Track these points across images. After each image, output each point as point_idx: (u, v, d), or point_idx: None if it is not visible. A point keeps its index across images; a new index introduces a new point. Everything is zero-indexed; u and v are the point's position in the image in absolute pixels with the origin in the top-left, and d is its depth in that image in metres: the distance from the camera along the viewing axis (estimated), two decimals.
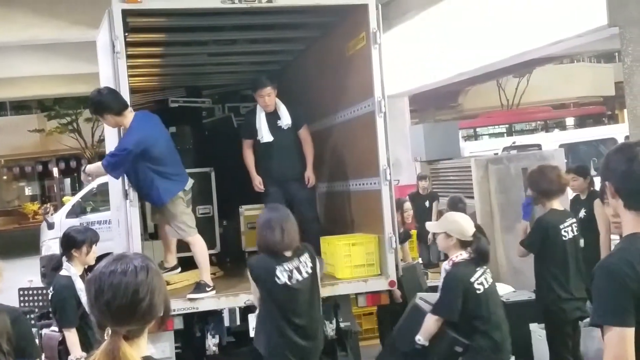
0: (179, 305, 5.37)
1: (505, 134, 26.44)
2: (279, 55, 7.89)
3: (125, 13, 5.42)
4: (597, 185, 6.91)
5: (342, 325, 5.80)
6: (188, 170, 6.00)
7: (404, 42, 11.72)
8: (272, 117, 6.46)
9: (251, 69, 8.09)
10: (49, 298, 5.20)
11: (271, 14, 6.17)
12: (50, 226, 12.60)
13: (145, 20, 6.10)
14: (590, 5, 7.50)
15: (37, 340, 4.62)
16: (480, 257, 4.56)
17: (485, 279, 4.53)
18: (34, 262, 13.40)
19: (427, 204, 10.40)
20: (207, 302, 5.54)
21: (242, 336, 5.69)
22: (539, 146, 14.83)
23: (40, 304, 8.50)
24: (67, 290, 4.91)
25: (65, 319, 4.91)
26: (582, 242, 5.59)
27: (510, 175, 8.38)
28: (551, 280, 5.19)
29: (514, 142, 16.29)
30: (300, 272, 4.58)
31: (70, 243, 5.09)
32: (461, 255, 4.57)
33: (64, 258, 5.10)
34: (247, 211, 7.18)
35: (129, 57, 5.84)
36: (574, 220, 5.39)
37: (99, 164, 5.57)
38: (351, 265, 5.83)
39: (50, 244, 12.11)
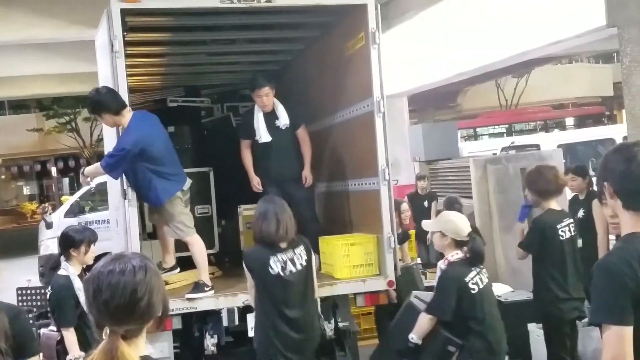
0: (177, 305, 5.37)
1: (505, 134, 26.45)
2: (278, 55, 7.89)
3: (124, 12, 5.42)
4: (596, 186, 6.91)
5: (340, 325, 5.80)
6: (187, 170, 6.00)
7: (403, 42, 11.73)
8: (270, 117, 6.46)
9: (250, 69, 8.08)
10: (47, 297, 5.19)
11: (270, 13, 6.17)
12: (49, 226, 12.60)
13: (144, 20, 6.09)
14: (589, 5, 7.50)
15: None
16: (475, 257, 4.54)
17: (481, 279, 4.52)
18: (32, 261, 13.40)
19: (425, 204, 10.41)
20: (205, 302, 5.53)
21: (240, 336, 5.69)
22: (537, 146, 14.83)
23: (39, 303, 8.50)
24: (65, 290, 4.91)
25: (63, 319, 4.91)
26: (580, 242, 5.60)
27: (509, 176, 8.39)
28: (549, 280, 5.19)
29: (512, 142, 16.31)
30: (294, 264, 4.61)
31: (69, 242, 5.09)
32: (457, 254, 4.56)
33: (62, 257, 5.10)
34: (246, 211, 7.17)
35: (127, 56, 5.85)
36: (572, 220, 5.39)
37: (97, 165, 5.56)
38: (350, 265, 5.83)
39: (49, 244, 12.10)
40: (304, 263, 4.68)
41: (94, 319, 2.07)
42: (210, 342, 5.53)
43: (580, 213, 6.82)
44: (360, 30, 5.93)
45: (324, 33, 6.87)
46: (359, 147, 6.27)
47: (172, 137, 6.05)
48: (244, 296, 5.27)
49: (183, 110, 8.45)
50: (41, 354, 4.17)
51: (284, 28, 6.91)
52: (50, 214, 13.41)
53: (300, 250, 4.69)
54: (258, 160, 6.60)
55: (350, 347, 5.95)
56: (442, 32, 10.86)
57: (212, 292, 5.59)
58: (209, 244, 6.55)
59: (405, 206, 7.44)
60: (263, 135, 6.44)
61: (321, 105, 7.15)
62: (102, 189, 8.45)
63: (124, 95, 5.40)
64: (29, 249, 16.10)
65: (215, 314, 5.60)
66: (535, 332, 5.86)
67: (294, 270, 4.61)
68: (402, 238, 6.97)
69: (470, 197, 8.63)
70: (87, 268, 4.99)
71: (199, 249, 5.73)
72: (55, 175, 34.19)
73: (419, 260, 8.98)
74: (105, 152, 5.81)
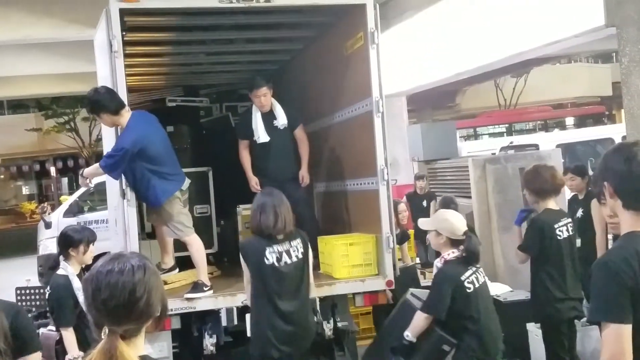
0: (176, 305, 5.37)
1: (505, 134, 26.43)
2: (277, 55, 7.89)
3: (123, 12, 5.42)
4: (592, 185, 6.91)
5: (339, 325, 5.80)
6: (185, 170, 6.00)
7: (402, 42, 11.72)
8: (268, 117, 6.47)
9: (249, 69, 8.09)
10: (46, 297, 5.19)
11: (269, 13, 6.17)
12: (48, 225, 12.59)
13: (143, 20, 6.09)
14: (587, 5, 7.50)
15: None
16: (470, 256, 4.53)
17: (476, 278, 4.51)
18: (31, 261, 13.40)
19: (424, 203, 10.40)
20: (204, 301, 5.53)
21: (239, 336, 5.68)
22: (536, 146, 14.83)
23: (38, 303, 8.49)
24: (64, 290, 4.91)
25: (62, 318, 4.91)
26: (578, 242, 5.58)
27: (508, 175, 8.38)
28: (547, 279, 5.18)
29: (511, 142, 16.30)
30: (289, 256, 4.64)
31: (68, 242, 5.08)
32: (453, 253, 4.55)
33: (61, 257, 5.10)
34: (245, 211, 7.15)
35: (126, 56, 5.85)
36: (570, 220, 5.38)
37: (96, 165, 5.56)
38: (349, 265, 5.83)
39: (48, 243, 12.08)
40: (300, 256, 4.71)
41: (93, 318, 2.07)
42: (209, 342, 5.53)
43: (579, 213, 6.83)
44: (359, 30, 5.93)
45: (323, 33, 6.87)
46: (358, 147, 6.27)
47: (170, 136, 6.05)
48: (243, 296, 5.28)
49: (182, 110, 8.45)
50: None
51: (283, 28, 6.91)
52: (49, 214, 13.40)
53: (297, 242, 4.72)
54: (256, 161, 6.60)
55: (349, 347, 5.96)
56: (441, 32, 10.86)
57: (211, 292, 5.60)
58: (207, 244, 6.55)
59: (402, 206, 7.44)
60: (261, 135, 6.44)
61: (320, 105, 7.15)
62: (101, 189, 8.44)
63: (123, 95, 5.41)
64: (28, 249, 16.10)
65: (214, 314, 5.61)
66: (534, 331, 5.86)
67: (289, 261, 4.65)
68: (402, 238, 6.97)
69: (469, 197, 8.63)
70: (86, 268, 4.98)
71: (197, 248, 5.73)
72: (54, 175, 34.14)
73: (417, 260, 8.98)
74: (104, 152, 5.80)
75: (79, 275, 4.96)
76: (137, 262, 2.08)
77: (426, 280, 7.30)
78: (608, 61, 33.83)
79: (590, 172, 7.67)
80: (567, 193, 7.37)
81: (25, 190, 40.08)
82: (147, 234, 7.01)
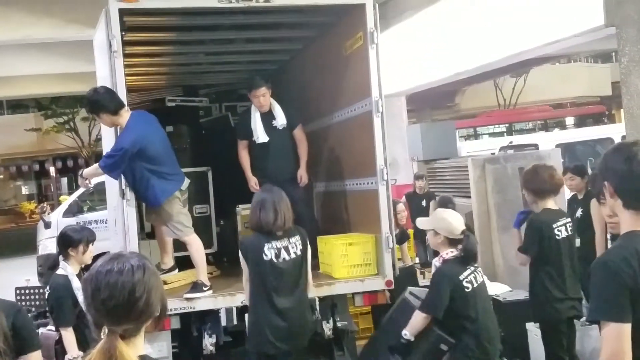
0: (175, 305, 5.37)
1: (505, 134, 26.41)
2: (276, 55, 7.89)
3: (122, 12, 5.42)
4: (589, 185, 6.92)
5: (339, 324, 5.81)
6: (185, 170, 6.00)
7: (402, 42, 11.73)
8: (267, 118, 6.47)
9: (248, 68, 8.09)
10: (46, 297, 5.19)
11: (268, 13, 6.16)
12: (47, 225, 12.59)
13: (142, 20, 6.09)
14: (587, 5, 7.50)
15: None
16: (467, 255, 4.52)
17: (475, 277, 4.51)
18: (30, 261, 13.40)
19: (423, 203, 10.40)
20: (204, 301, 5.54)
21: (239, 336, 5.68)
22: (535, 146, 14.82)
23: (37, 303, 8.49)
24: (63, 290, 4.91)
25: (61, 318, 4.91)
26: (578, 242, 5.57)
27: (507, 175, 8.38)
28: (545, 279, 5.17)
29: (510, 142, 16.29)
30: (288, 252, 4.66)
31: (67, 242, 5.08)
32: (451, 252, 4.55)
33: (60, 257, 5.10)
34: (244, 211, 7.15)
35: (125, 56, 5.85)
36: (569, 220, 5.37)
37: (95, 166, 5.56)
38: (348, 264, 5.83)
39: (47, 243, 12.08)
40: (299, 252, 4.72)
41: (93, 318, 2.07)
42: (208, 342, 5.53)
43: (579, 212, 6.82)
44: (358, 30, 5.93)
45: (322, 33, 6.87)
46: (358, 146, 6.27)
47: (170, 136, 6.05)
48: (242, 296, 5.28)
49: (181, 110, 8.45)
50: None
51: (282, 28, 6.91)
52: (48, 214, 13.40)
53: (296, 239, 4.74)
54: (255, 161, 6.61)
55: (349, 347, 5.96)
56: (440, 32, 10.87)
57: (211, 291, 5.60)
58: (207, 244, 6.56)
59: (401, 206, 7.45)
60: (260, 135, 6.44)
61: (319, 105, 7.16)
62: (100, 189, 8.44)
63: (122, 95, 5.41)
64: (28, 249, 16.10)
65: (213, 314, 5.61)
66: (534, 331, 5.86)
67: (287, 258, 4.67)
68: (401, 238, 6.97)
69: (469, 197, 8.63)
70: (86, 268, 4.98)
71: (197, 248, 5.73)
72: (54, 175, 34.14)
73: (417, 260, 8.98)
74: (104, 152, 5.80)
75: (79, 275, 4.96)
76: (137, 262, 2.08)
77: (426, 280, 7.31)
78: (607, 61, 33.83)
79: (590, 172, 7.67)
80: (567, 193, 7.38)
81: (24, 190, 40.08)
82: (147, 234, 7.01)
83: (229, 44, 7.35)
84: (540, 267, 5.20)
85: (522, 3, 8.94)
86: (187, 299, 5.48)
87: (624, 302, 2.29)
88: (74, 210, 12.64)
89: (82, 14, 11.66)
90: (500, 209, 8.28)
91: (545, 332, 5.33)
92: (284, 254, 4.66)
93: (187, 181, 5.77)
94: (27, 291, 8.80)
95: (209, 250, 6.83)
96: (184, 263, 6.16)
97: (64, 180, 35.68)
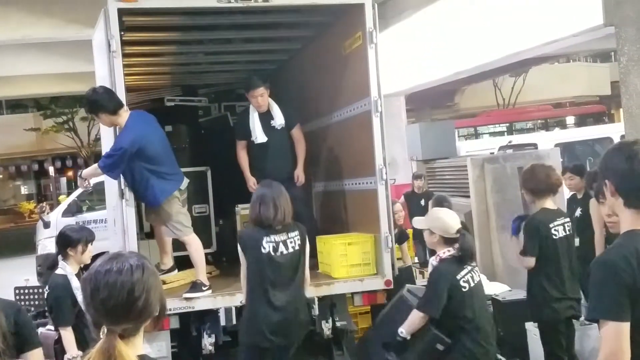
0: (175, 305, 5.37)
1: (505, 133, 26.40)
2: (275, 55, 7.89)
3: (121, 12, 5.43)
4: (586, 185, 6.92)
5: (338, 324, 5.81)
6: (184, 170, 6.00)
7: (401, 41, 11.73)
8: (266, 117, 6.47)
9: (247, 68, 8.09)
10: (45, 297, 5.19)
11: (267, 13, 6.17)
12: (46, 225, 12.60)
13: (141, 19, 6.09)
14: (586, 4, 7.50)
15: None
16: (464, 254, 4.49)
17: (472, 277, 4.48)
18: (29, 261, 13.41)
19: (422, 202, 10.39)
20: (203, 301, 5.54)
21: (238, 335, 5.68)
22: (535, 145, 14.82)
23: (37, 302, 8.49)
24: (63, 289, 4.91)
25: (61, 318, 4.91)
26: (577, 241, 5.56)
27: (506, 175, 8.38)
28: (543, 279, 5.15)
29: (510, 142, 16.29)
30: (286, 246, 4.68)
31: (66, 242, 5.08)
32: (448, 251, 4.53)
33: (59, 257, 5.10)
34: (243, 210, 7.16)
35: (124, 56, 5.85)
36: (567, 219, 5.35)
37: (95, 166, 5.57)
38: (347, 264, 5.84)
39: (46, 243, 12.08)
40: (297, 247, 4.74)
41: (92, 318, 2.07)
42: (207, 342, 5.54)
43: (578, 212, 6.82)
44: (357, 30, 5.93)
45: (321, 32, 6.87)
46: (357, 146, 6.27)
47: (169, 136, 6.05)
48: (242, 296, 5.27)
49: (180, 110, 8.45)
50: None
51: (281, 27, 6.91)
52: (48, 214, 13.39)
53: (295, 234, 4.76)
54: (254, 161, 6.61)
55: (348, 347, 5.96)
56: (439, 31, 10.86)
57: (210, 291, 5.60)
58: (206, 244, 6.56)
59: (398, 206, 7.44)
60: (259, 135, 6.45)
61: (318, 105, 7.16)
62: (99, 189, 8.44)
63: (121, 94, 5.41)
64: (27, 249, 16.10)
65: (212, 314, 5.61)
66: (533, 331, 5.86)
67: (285, 252, 4.69)
68: (400, 238, 6.96)
69: (468, 197, 8.63)
70: (85, 267, 4.98)
71: (196, 248, 5.73)
72: (53, 174, 34.15)
73: (416, 260, 8.98)
74: (103, 152, 5.80)
75: (78, 275, 4.96)
76: (136, 262, 2.08)
77: (424, 280, 7.31)
78: (607, 60, 33.83)
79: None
80: (567, 192, 7.38)
81: (23, 190, 40.10)
82: (146, 233, 7.01)
83: (227, 44, 7.35)
84: (537, 267, 5.17)
85: (521, 3, 8.94)
86: (186, 299, 5.48)
87: (623, 301, 2.29)
88: (73, 210, 12.64)
89: (81, 14, 11.66)
90: (499, 208, 8.28)
91: (544, 332, 5.32)
92: (282, 248, 4.68)
93: (186, 181, 5.77)
94: (26, 291, 8.80)
95: (208, 250, 6.83)
96: (183, 263, 6.16)
97: (63, 180, 35.71)
